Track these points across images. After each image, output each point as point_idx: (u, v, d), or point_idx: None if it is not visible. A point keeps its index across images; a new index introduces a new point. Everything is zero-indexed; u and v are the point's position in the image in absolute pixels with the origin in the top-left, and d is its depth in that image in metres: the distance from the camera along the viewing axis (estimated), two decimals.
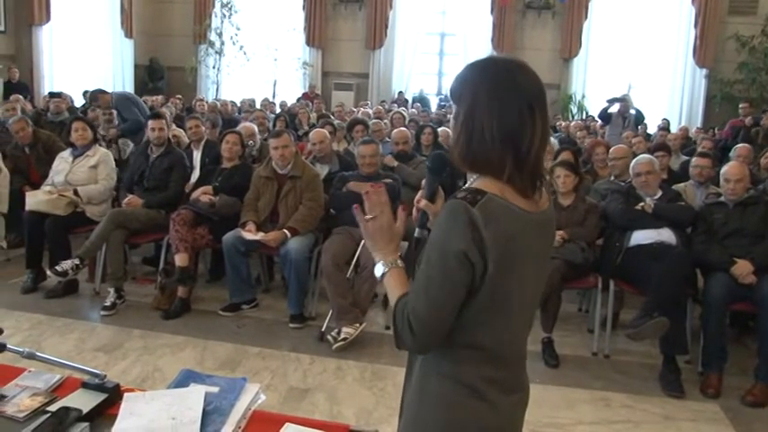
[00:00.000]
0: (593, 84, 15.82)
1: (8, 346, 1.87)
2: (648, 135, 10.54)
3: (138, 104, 8.15)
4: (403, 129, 6.78)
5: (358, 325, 4.57)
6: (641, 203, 4.74)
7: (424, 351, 1.56)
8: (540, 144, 1.51)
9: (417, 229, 1.76)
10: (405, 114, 10.35)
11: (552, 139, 7.22)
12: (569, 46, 15.46)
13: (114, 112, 7.73)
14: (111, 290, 5.11)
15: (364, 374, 4.18)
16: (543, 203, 1.59)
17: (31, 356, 1.89)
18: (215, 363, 4.24)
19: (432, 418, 1.59)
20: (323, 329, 4.70)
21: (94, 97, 8.04)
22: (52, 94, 9.94)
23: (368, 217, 1.63)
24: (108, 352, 4.34)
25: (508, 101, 1.49)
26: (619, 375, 4.36)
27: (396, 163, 5.79)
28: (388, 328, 4.90)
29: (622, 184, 5.22)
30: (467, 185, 1.52)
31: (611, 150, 5.82)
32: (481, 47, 15.56)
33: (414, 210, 1.76)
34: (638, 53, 15.47)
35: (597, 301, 4.76)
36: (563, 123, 12.12)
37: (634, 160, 5.02)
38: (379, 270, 1.62)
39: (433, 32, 16.70)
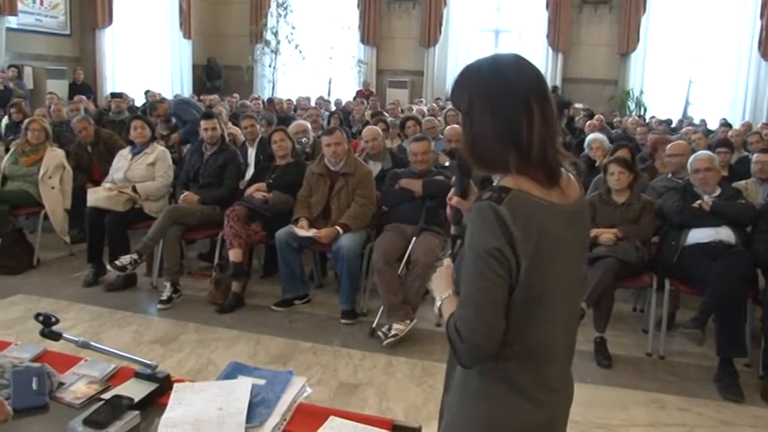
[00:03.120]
0: (651, 79, 15.47)
1: (64, 335, 1.93)
2: (709, 131, 10.28)
3: (195, 106, 8.32)
4: (456, 126, 6.73)
5: (409, 321, 4.57)
6: (699, 201, 4.62)
7: (482, 357, 1.50)
8: (542, 134, 1.49)
9: (453, 227, 1.76)
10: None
11: (601, 135, 7.06)
12: (627, 41, 15.14)
13: (173, 119, 7.91)
14: (168, 284, 5.24)
15: (414, 371, 4.18)
16: (573, 195, 1.58)
17: (85, 346, 1.95)
18: (267, 357, 4.29)
19: (472, 413, 1.60)
20: (374, 325, 4.72)
21: (153, 107, 8.23)
22: (114, 95, 10.22)
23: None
24: (164, 344, 4.45)
25: (501, 98, 1.49)
26: (674, 377, 4.25)
27: (449, 161, 5.77)
28: (438, 325, 4.88)
29: (679, 181, 5.09)
30: (493, 184, 1.53)
31: (668, 147, 5.62)
32: (536, 43, 15.40)
33: (447, 208, 1.77)
34: (700, 46, 15.02)
35: (652, 301, 4.63)
36: (620, 120, 11.89)
37: (692, 156, 4.88)
38: (436, 305, 1.65)
39: (487, 29, 16.55)
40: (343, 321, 4.92)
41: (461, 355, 1.50)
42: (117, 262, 5.17)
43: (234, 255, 5.06)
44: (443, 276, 1.67)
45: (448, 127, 6.66)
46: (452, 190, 1.74)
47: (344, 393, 3.86)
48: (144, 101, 11.52)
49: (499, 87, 1.50)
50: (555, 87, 14.66)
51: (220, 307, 5.07)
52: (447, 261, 1.69)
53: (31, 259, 5.99)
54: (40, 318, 1.90)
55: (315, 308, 5.22)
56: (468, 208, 1.69)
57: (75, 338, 1.94)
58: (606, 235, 4.55)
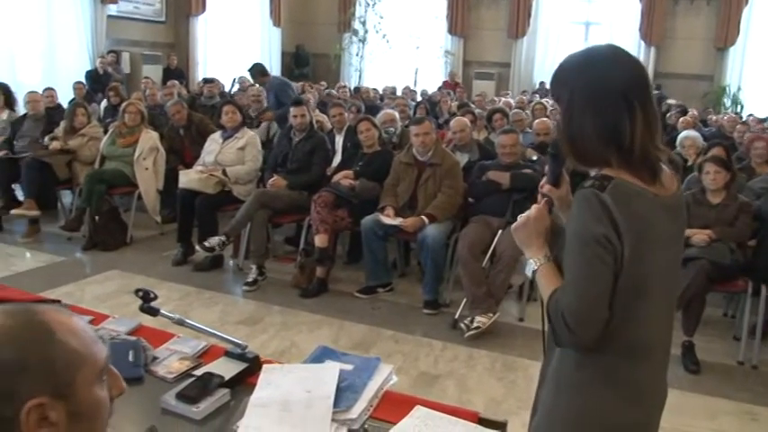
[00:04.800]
0: (750, 75, 14.75)
1: (161, 311, 1.98)
2: None
3: (294, 91, 8.45)
4: (545, 119, 6.63)
5: (491, 315, 4.53)
6: None
7: (584, 345, 1.48)
8: (644, 135, 1.47)
9: None
10: (546, 105, 10.12)
11: (694, 133, 6.79)
12: (725, 34, 14.45)
13: (263, 93, 8.04)
14: (254, 267, 5.33)
15: (495, 365, 4.14)
16: (671, 186, 1.55)
17: (180, 323, 2.00)
18: (349, 342, 4.32)
19: (566, 407, 1.57)
20: (456, 317, 4.69)
21: (255, 74, 8.32)
22: (206, 80, 10.47)
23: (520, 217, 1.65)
24: (249, 325, 4.55)
25: (602, 97, 1.47)
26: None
27: (536, 156, 5.68)
28: (521, 319, 4.84)
29: None
30: (594, 174, 1.51)
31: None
32: (628, 36, 14.89)
33: (538, 195, 1.74)
34: None
35: (746, 307, 4.44)
36: (714, 117, 11.43)
37: None
38: (529, 267, 1.60)
39: (577, 21, 16.15)
40: (425, 311, 4.90)
41: (562, 340, 1.49)
42: (206, 243, 5.31)
43: (320, 240, 5.12)
44: (531, 227, 1.62)
45: (537, 120, 6.55)
46: (545, 178, 1.72)
47: (424, 383, 3.85)
48: (231, 86, 11.80)
49: (598, 85, 1.48)
50: (659, 86, 14.00)
51: (304, 291, 5.13)
52: (534, 208, 1.64)
53: (124, 237, 6.21)
54: (140, 293, 1.96)
55: (397, 296, 5.22)
56: (558, 196, 1.66)
57: (172, 315, 1.99)
58: (700, 236, 4.38)
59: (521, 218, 1.64)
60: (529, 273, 1.61)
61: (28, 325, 1.03)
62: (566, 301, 1.45)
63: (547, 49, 16.26)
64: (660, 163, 1.52)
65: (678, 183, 1.60)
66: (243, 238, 5.63)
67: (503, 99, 11.69)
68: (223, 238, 5.35)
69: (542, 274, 1.57)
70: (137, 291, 1.97)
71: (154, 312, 1.97)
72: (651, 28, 14.75)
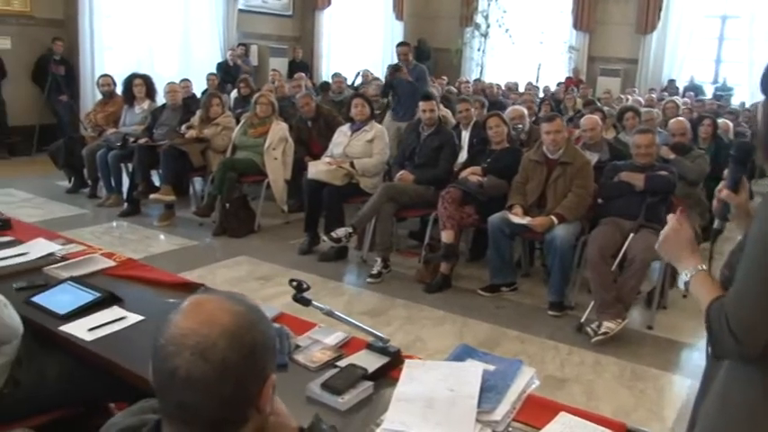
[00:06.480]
0: None
1: (313, 302, 2.02)
2: None
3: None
4: (681, 119, 6.36)
5: (620, 320, 4.37)
6: None
7: (749, 356, 1.38)
8: None
9: (717, 221, 1.66)
10: (678, 103, 9.72)
11: None
12: None
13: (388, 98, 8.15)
14: (379, 259, 5.37)
15: (624, 373, 4.00)
16: None
17: (329, 314, 2.05)
18: (474, 340, 4.24)
19: (732, 429, 1.47)
20: (582, 320, 4.56)
21: (405, 50, 8.38)
22: (335, 75, 10.70)
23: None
24: (373, 317, 4.57)
25: None
26: None
27: (672, 155, 5.46)
28: (650, 327, 4.66)
29: None
30: None
31: None
32: None
33: (714, 201, 1.65)
34: None
35: None
36: None
37: None
38: (682, 279, 1.54)
39: (712, 15, 15.35)
40: (550, 313, 4.80)
41: (725, 350, 1.39)
42: (333, 234, 5.39)
43: (446, 236, 5.10)
44: (673, 241, 1.57)
45: (672, 120, 6.29)
46: (723, 182, 1.64)
47: (551, 386, 3.75)
48: (354, 79, 11.97)
49: None
50: None
51: (428, 286, 5.13)
52: (670, 222, 1.59)
53: (252, 224, 6.41)
54: (294, 283, 2.01)
55: (521, 296, 5.14)
56: (737, 203, 1.58)
57: (322, 306, 2.04)
58: None
59: (661, 235, 1.60)
60: (681, 285, 1.55)
61: (255, 310, 1.16)
62: (733, 307, 1.36)
63: (677, 45, 15.55)
64: None
65: None
66: (367, 231, 5.69)
67: (630, 97, 11.30)
68: (349, 229, 5.41)
69: (697, 283, 1.50)
70: (290, 281, 2.02)
71: (306, 302, 2.02)
72: None
